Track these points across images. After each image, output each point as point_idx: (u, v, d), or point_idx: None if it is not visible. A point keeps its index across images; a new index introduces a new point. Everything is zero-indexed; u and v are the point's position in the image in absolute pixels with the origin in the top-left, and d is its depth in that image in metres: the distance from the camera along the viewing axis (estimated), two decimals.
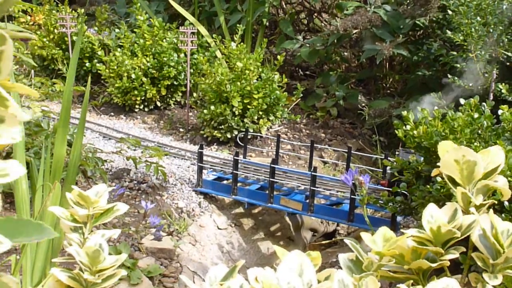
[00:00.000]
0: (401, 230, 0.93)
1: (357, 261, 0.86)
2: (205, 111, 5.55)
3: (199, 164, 4.38)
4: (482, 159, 0.84)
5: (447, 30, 4.48)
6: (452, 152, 0.83)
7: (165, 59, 6.26)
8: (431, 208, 0.86)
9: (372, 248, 0.85)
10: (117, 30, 6.77)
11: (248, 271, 0.67)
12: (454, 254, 0.83)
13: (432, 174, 0.95)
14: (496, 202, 0.88)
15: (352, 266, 0.86)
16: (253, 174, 4.61)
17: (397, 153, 4.48)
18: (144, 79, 6.17)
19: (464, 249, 0.84)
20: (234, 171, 4.29)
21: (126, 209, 1.05)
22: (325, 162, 5.56)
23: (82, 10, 7.20)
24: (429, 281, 0.79)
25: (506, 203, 2.08)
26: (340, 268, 0.84)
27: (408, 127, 2.69)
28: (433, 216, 0.85)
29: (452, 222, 0.83)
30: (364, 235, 0.86)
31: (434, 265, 0.82)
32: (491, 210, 0.82)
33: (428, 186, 2.54)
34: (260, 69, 5.60)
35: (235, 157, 4.26)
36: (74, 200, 1.02)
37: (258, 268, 0.66)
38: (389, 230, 0.86)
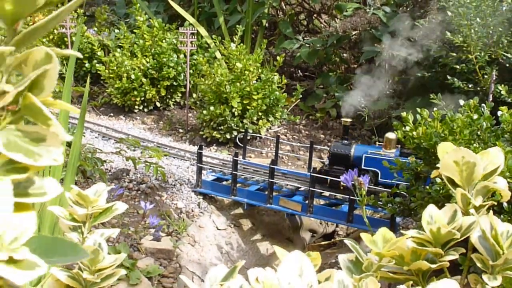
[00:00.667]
0: (401, 231, 0.93)
1: (357, 261, 0.86)
2: (204, 111, 5.55)
3: (198, 164, 4.38)
4: (481, 160, 0.84)
5: (447, 32, 4.48)
6: (452, 153, 0.83)
7: (164, 59, 6.26)
8: (431, 209, 0.86)
9: (372, 249, 0.85)
10: (116, 30, 6.78)
11: (248, 271, 0.67)
12: (454, 255, 0.83)
13: (432, 176, 0.95)
14: (495, 203, 0.88)
15: (352, 267, 0.86)
16: (252, 176, 4.61)
17: (329, 144, 4.54)
18: (143, 79, 6.17)
19: (464, 250, 0.84)
20: (233, 172, 4.29)
21: (125, 208, 1.05)
22: (324, 163, 5.56)
23: (82, 11, 7.19)
24: (428, 282, 0.79)
25: (505, 204, 2.08)
26: (340, 269, 0.84)
27: (408, 128, 2.69)
28: (433, 217, 0.85)
29: (451, 223, 0.83)
30: (364, 235, 0.86)
31: (433, 266, 0.82)
32: (491, 211, 0.82)
33: (427, 187, 2.54)
34: (260, 70, 5.60)
35: (234, 158, 4.27)
36: (73, 199, 1.02)
37: (258, 268, 0.66)
38: (388, 231, 0.86)
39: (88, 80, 2.43)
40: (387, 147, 4.10)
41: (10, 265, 0.38)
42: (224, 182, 4.57)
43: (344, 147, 4.22)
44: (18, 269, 0.38)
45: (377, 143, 4.61)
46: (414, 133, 2.66)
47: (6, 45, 0.44)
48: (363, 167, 4.07)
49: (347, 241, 0.89)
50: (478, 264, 0.82)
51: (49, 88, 0.43)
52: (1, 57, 0.43)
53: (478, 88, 4.26)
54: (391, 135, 4.10)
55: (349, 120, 4.33)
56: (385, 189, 3.33)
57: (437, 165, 0.88)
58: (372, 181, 4.01)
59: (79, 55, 0.48)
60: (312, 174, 3.99)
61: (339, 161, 4.23)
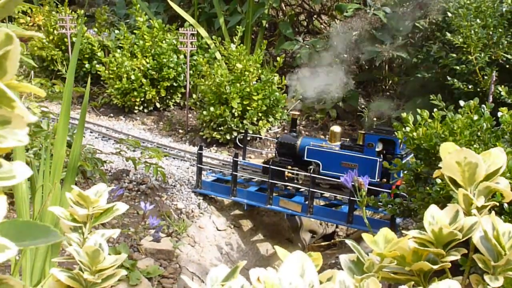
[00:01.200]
0: (402, 231, 0.93)
1: (358, 262, 0.86)
2: (204, 112, 5.54)
3: (198, 165, 4.37)
4: (483, 161, 0.84)
5: (447, 32, 4.48)
6: (454, 154, 0.82)
7: (164, 60, 6.26)
8: (433, 209, 0.86)
9: (374, 249, 0.84)
10: (116, 31, 6.78)
11: (250, 271, 0.67)
12: (456, 256, 0.82)
13: (434, 176, 0.94)
14: (497, 204, 0.88)
15: (353, 267, 0.85)
16: (252, 176, 4.61)
17: (278, 135, 4.75)
18: (143, 80, 6.17)
19: (465, 251, 0.83)
20: (233, 173, 4.29)
21: (125, 208, 1.05)
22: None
23: (82, 11, 7.19)
24: (430, 283, 0.79)
25: (505, 205, 2.08)
26: (340, 269, 0.83)
27: (408, 129, 2.68)
28: (435, 218, 0.84)
29: (453, 223, 0.83)
30: (366, 236, 0.86)
31: (435, 266, 0.81)
32: (493, 212, 0.82)
33: (428, 188, 2.54)
34: (260, 71, 5.60)
35: (234, 159, 4.26)
36: (74, 199, 1.02)
37: (260, 268, 0.66)
38: (390, 231, 0.86)
39: (89, 81, 2.43)
40: (331, 140, 4.27)
41: None
42: (224, 183, 4.56)
43: (291, 138, 4.40)
44: None
45: (326, 136, 4.73)
46: (414, 134, 2.66)
47: None
48: (305, 158, 4.25)
49: (348, 242, 0.89)
50: (480, 265, 0.82)
51: (11, 70, 0.43)
52: None
53: (478, 89, 4.26)
54: (336, 128, 4.31)
55: (297, 113, 4.57)
56: (386, 190, 3.33)
57: (439, 166, 0.87)
58: (315, 171, 4.21)
59: (41, 35, 0.48)
60: (312, 175, 3.99)
61: (286, 152, 4.41)
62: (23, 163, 0.43)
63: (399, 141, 3.31)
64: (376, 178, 3.96)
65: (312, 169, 4.21)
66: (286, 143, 4.41)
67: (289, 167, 4.28)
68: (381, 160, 3.94)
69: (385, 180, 3.98)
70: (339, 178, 4.05)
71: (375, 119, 4.62)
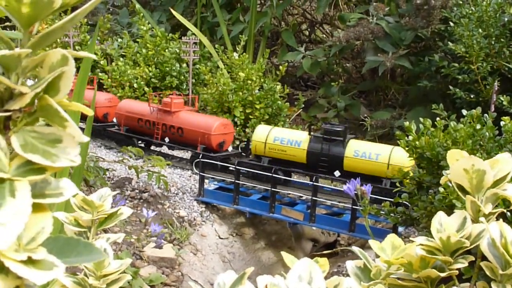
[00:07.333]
0: (410, 239, 0.93)
1: (365, 268, 0.85)
2: None
3: (200, 173, 4.37)
4: (491, 167, 0.83)
5: (449, 42, 4.49)
6: (462, 161, 0.82)
7: (167, 68, 6.28)
8: (440, 216, 0.86)
9: (381, 256, 0.84)
10: (119, 39, 6.80)
11: (257, 278, 0.66)
12: (463, 263, 0.82)
13: (441, 182, 0.94)
14: (505, 211, 0.88)
15: (360, 274, 0.85)
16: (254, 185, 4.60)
17: None
18: (146, 88, 6.18)
19: (473, 258, 0.83)
20: (236, 181, 4.28)
21: (130, 213, 1.04)
22: None
23: (85, 20, 7.22)
24: None
25: (508, 214, 2.07)
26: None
27: (410, 137, 2.68)
28: (442, 225, 0.84)
29: (461, 230, 0.82)
30: (373, 243, 0.86)
31: (443, 274, 0.81)
32: (501, 219, 0.82)
33: (430, 197, 2.54)
34: (262, 80, 5.61)
35: (237, 167, 4.26)
36: (78, 205, 1.02)
37: (267, 275, 0.66)
38: (397, 237, 0.86)
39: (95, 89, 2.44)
40: None
41: (29, 265, 0.38)
42: (226, 191, 4.56)
43: None
44: (36, 269, 0.38)
45: None
46: (417, 142, 2.66)
47: (22, 47, 0.44)
48: None
49: (355, 248, 0.89)
50: (487, 272, 0.81)
51: (64, 90, 0.43)
52: (18, 60, 0.43)
53: (480, 99, 4.27)
54: None
55: None
56: (388, 199, 3.32)
57: (441, 174, 0.87)
58: None
59: (94, 57, 0.48)
60: (314, 183, 3.99)
61: None
62: (69, 180, 0.43)
63: None
64: None
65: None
66: None
67: None
68: None
69: None
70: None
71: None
